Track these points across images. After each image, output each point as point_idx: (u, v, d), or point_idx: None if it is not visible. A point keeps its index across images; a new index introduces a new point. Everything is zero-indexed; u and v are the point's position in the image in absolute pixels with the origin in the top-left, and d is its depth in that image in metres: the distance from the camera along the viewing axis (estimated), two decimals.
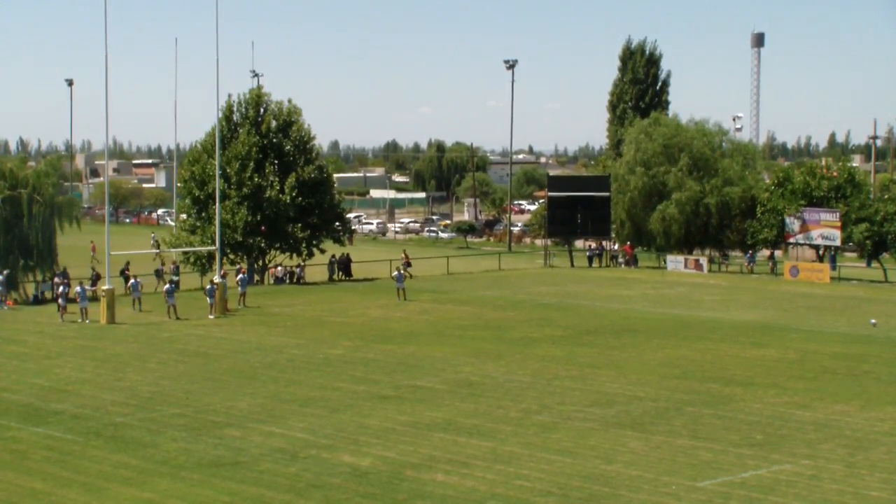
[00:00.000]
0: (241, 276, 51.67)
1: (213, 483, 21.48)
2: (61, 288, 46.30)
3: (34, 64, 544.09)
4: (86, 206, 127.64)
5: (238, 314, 46.94)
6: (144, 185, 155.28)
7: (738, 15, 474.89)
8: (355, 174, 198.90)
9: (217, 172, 53.95)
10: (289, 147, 63.78)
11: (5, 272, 49.91)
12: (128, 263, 56.66)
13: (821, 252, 66.27)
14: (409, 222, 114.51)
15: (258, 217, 60.54)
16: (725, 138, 75.14)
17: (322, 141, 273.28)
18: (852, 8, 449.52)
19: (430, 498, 20.56)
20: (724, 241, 70.61)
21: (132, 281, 49.33)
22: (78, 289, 45.43)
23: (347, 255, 65.07)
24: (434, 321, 44.99)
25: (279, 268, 61.90)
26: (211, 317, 45.66)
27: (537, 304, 50.80)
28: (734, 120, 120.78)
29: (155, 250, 68.93)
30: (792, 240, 66.22)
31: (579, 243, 77.82)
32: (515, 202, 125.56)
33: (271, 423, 26.47)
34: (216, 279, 48.00)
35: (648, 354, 36.88)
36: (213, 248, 52.68)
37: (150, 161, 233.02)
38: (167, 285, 48.27)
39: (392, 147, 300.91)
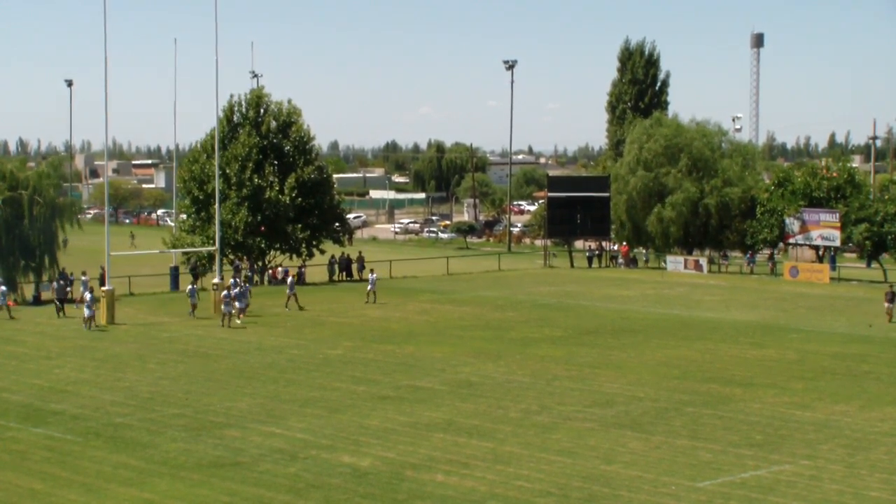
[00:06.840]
0: (289, 278, 51.72)
1: (212, 483, 21.48)
2: (59, 286, 46.18)
3: (34, 64, 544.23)
4: (85, 206, 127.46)
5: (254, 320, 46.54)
6: (144, 186, 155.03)
7: (737, 15, 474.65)
8: (355, 174, 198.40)
9: (217, 173, 53.95)
10: (288, 147, 63.81)
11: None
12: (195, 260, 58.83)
13: (820, 252, 66.27)
14: (408, 223, 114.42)
15: (258, 217, 60.56)
16: (725, 139, 75.21)
17: (322, 141, 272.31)
18: (852, 8, 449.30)
19: (429, 498, 20.55)
20: (724, 241, 70.62)
21: (190, 287, 48.09)
22: (88, 295, 43.67)
23: (348, 255, 64.86)
24: (434, 321, 44.99)
25: (279, 268, 61.89)
26: (239, 320, 44.47)
27: (537, 305, 50.80)
28: (734, 120, 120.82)
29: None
30: (792, 240, 66.24)
31: (579, 244, 77.80)
32: (515, 203, 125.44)
33: (271, 424, 26.47)
34: (215, 280, 47.98)
35: (648, 355, 36.88)
36: (213, 248, 52.70)
37: (149, 161, 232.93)
38: (189, 286, 47.75)
39: (392, 147, 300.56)
